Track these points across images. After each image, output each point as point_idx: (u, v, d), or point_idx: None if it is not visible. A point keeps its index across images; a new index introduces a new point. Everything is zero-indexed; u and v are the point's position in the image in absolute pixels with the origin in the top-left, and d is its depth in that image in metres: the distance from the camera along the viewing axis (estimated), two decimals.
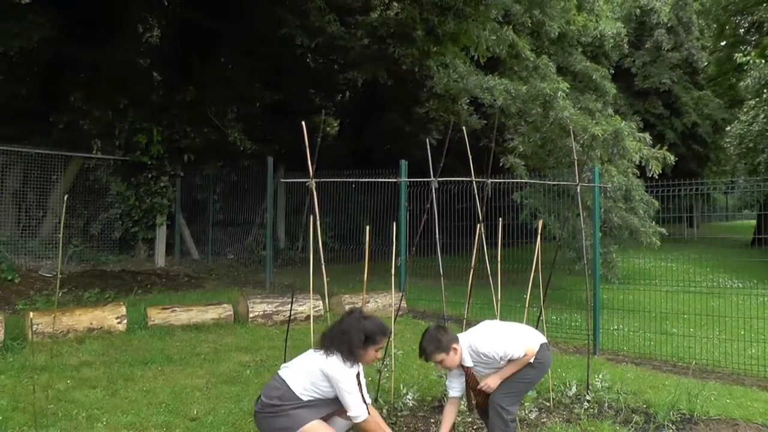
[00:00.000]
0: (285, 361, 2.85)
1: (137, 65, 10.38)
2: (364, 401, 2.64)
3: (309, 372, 2.60)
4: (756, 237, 15.09)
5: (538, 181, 6.83)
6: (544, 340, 2.97)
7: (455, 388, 2.91)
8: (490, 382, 2.82)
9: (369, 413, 2.60)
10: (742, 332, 5.88)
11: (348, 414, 2.56)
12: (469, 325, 3.34)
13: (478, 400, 2.93)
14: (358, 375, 2.65)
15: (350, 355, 2.58)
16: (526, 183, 7.30)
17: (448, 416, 2.93)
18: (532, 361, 2.83)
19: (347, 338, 2.58)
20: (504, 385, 2.84)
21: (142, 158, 8.68)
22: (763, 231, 13.63)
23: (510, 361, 2.81)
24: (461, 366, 2.84)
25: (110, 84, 9.06)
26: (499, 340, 2.81)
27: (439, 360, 2.77)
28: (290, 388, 2.58)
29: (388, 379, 3.61)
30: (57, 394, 3.61)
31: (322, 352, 2.63)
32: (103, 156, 8.61)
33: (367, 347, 2.61)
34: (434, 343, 2.74)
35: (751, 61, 12.24)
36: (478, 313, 5.83)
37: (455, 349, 2.77)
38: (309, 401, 2.59)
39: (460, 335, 2.88)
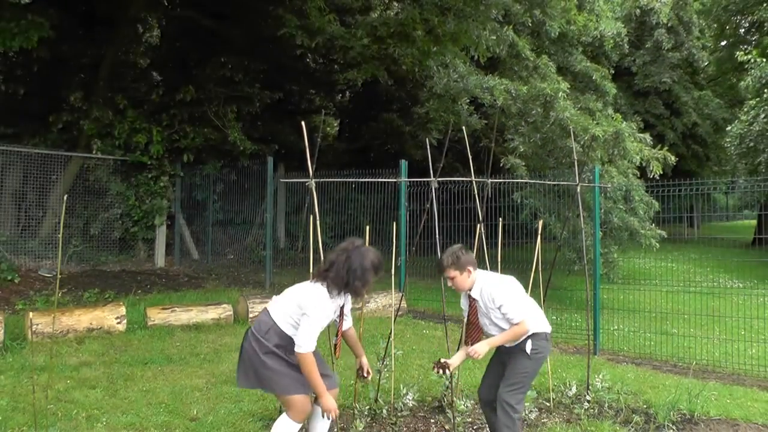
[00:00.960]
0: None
1: (137, 65, 10.37)
2: (340, 331, 2.61)
3: (292, 304, 2.54)
4: (756, 237, 15.07)
5: (537, 182, 6.82)
6: (548, 329, 2.91)
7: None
8: (478, 348, 2.76)
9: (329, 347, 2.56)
10: (743, 332, 5.88)
11: (295, 340, 2.47)
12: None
13: (473, 337, 2.89)
14: (343, 306, 2.62)
15: (358, 292, 2.52)
16: (526, 183, 7.29)
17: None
18: (528, 351, 2.77)
19: (360, 273, 2.49)
20: (507, 381, 2.79)
21: (141, 158, 8.67)
22: (764, 231, 13.61)
23: (504, 318, 2.75)
24: (468, 296, 2.84)
25: (110, 84, 9.05)
26: (507, 293, 2.77)
27: (452, 276, 2.79)
28: (276, 324, 2.52)
29: (388, 380, 3.60)
30: (57, 394, 3.61)
31: (316, 282, 2.54)
32: (102, 156, 8.60)
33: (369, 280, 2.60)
34: (452, 258, 2.77)
35: (752, 60, 12.21)
36: None
37: (469, 271, 2.78)
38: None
39: (480, 270, 2.89)
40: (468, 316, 2.88)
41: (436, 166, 3.64)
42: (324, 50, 9.57)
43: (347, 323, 2.77)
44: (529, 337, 2.79)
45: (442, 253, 2.85)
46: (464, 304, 2.95)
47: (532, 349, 2.78)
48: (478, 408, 3.68)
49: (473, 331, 2.86)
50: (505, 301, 2.74)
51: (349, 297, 2.68)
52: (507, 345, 2.83)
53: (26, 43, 6.96)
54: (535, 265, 3.81)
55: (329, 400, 2.48)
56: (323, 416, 2.58)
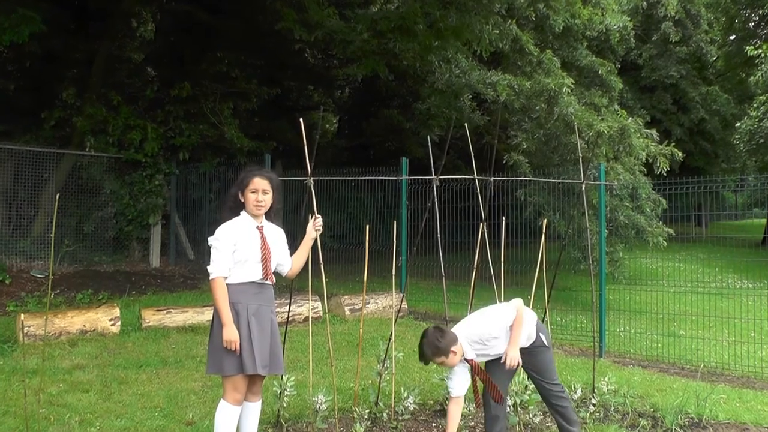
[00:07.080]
0: (282, 365, 2.82)
1: (131, 60, 10.24)
2: (266, 269, 2.69)
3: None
4: (766, 236, 14.93)
5: (541, 179, 6.73)
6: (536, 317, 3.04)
7: (455, 387, 2.92)
8: (511, 353, 2.82)
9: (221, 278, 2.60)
10: (752, 334, 5.80)
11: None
12: None
13: (488, 387, 2.92)
14: (260, 228, 2.71)
15: (233, 211, 2.71)
16: (529, 181, 7.18)
17: (454, 416, 2.94)
18: (547, 343, 2.96)
19: (239, 181, 2.70)
20: (547, 379, 2.96)
21: (136, 156, 8.55)
22: None
23: (504, 329, 2.87)
24: (465, 360, 2.86)
25: (103, 80, 8.91)
26: (492, 317, 2.90)
27: (440, 362, 2.83)
28: None
29: (389, 383, 3.55)
30: (49, 398, 3.56)
31: None
32: (96, 153, 8.48)
33: (244, 194, 2.70)
34: (432, 348, 2.79)
35: (762, 55, 12.00)
36: None
37: (454, 352, 2.80)
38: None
39: (455, 330, 2.90)
40: (474, 373, 2.90)
41: (438, 164, 3.55)
42: (323, 45, 9.45)
43: (280, 261, 2.82)
44: (538, 329, 2.95)
45: (421, 346, 2.81)
46: (456, 374, 2.91)
47: (546, 339, 2.96)
48: (480, 412, 3.59)
49: (490, 384, 2.90)
50: (502, 319, 2.85)
51: (269, 223, 2.79)
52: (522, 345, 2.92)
53: (17, 38, 6.87)
54: (539, 265, 3.73)
55: (230, 331, 2.58)
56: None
